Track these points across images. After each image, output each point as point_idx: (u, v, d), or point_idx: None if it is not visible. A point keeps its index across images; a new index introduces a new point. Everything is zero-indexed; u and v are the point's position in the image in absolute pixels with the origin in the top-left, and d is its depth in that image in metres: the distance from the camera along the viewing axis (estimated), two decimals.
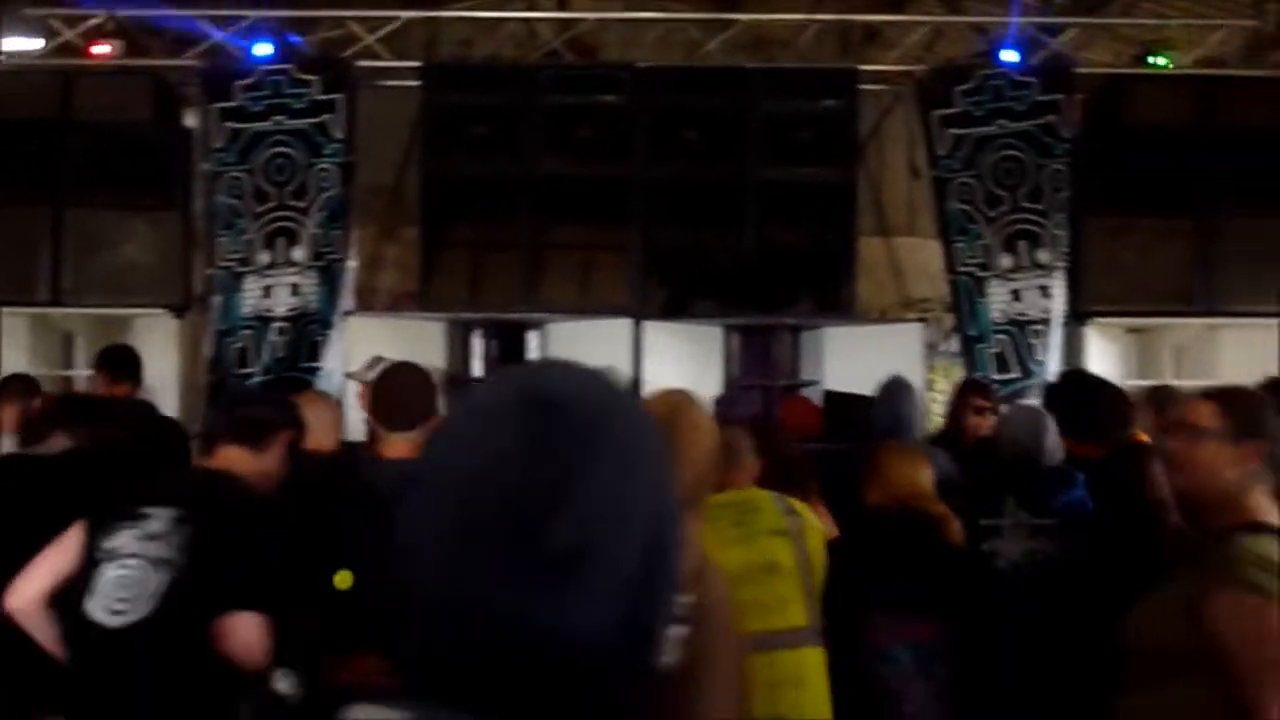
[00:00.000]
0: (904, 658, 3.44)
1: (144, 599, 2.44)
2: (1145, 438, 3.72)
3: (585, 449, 0.76)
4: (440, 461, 0.79)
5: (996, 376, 6.15)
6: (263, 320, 6.24)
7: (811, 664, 2.75)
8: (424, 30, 7.31)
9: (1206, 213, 6.10)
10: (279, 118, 6.27)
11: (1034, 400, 6.09)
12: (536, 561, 0.72)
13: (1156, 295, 6.19)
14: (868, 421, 4.71)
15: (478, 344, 6.52)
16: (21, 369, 5.20)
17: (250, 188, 6.26)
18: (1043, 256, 6.24)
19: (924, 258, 7.18)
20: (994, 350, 6.26)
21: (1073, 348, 6.27)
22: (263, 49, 6.36)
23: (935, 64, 6.80)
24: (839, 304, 6.38)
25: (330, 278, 6.27)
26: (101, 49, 6.48)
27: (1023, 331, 6.24)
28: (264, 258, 6.25)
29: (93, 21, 6.54)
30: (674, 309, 6.28)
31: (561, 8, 8.65)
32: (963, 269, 6.35)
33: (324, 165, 6.27)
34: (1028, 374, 6.21)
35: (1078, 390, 3.85)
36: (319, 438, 3.30)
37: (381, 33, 6.70)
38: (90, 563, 2.49)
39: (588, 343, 6.03)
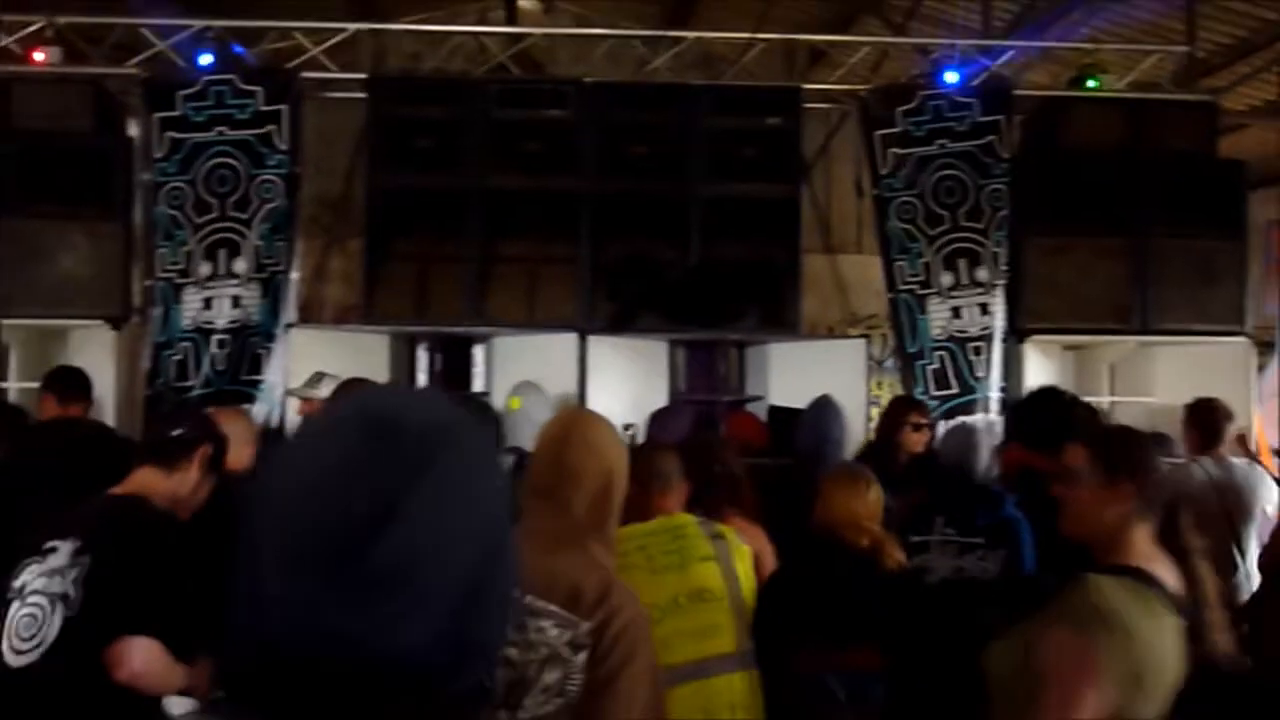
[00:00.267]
0: (835, 685, 3.45)
1: (44, 638, 2.37)
2: None
3: (414, 473, 0.78)
4: (279, 478, 0.81)
5: (935, 393, 6.24)
6: (203, 333, 6.16)
7: (743, 689, 2.76)
8: (372, 43, 7.29)
9: (1139, 233, 6.24)
10: (222, 128, 6.21)
11: (974, 416, 6.21)
12: (358, 579, 0.74)
13: (1093, 313, 6.31)
14: (789, 439, 4.74)
15: (423, 358, 6.49)
16: None
17: (191, 198, 6.19)
18: (982, 275, 6.35)
19: (871, 275, 7.26)
20: (933, 367, 6.35)
21: (1012, 364, 6.37)
22: (206, 58, 6.31)
23: (878, 84, 6.90)
24: (784, 320, 6.43)
25: (273, 290, 6.21)
26: (40, 56, 6.38)
27: (962, 348, 6.34)
28: (205, 269, 6.17)
29: (31, 28, 6.45)
30: (620, 323, 6.30)
31: (511, 23, 8.68)
32: (904, 287, 6.43)
33: (267, 176, 6.21)
34: (967, 390, 6.30)
35: (1049, 406, 3.90)
36: (233, 455, 3.23)
37: (328, 44, 6.67)
38: (2, 602, 2.44)
39: (534, 357, 6.03)
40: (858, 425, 5.86)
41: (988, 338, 6.34)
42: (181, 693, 2.41)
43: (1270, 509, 4.78)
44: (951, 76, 6.53)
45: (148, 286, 6.26)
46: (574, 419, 2.19)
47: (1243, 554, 4.66)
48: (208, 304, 6.18)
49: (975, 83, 6.59)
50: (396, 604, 0.75)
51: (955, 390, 6.30)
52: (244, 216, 6.20)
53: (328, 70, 6.66)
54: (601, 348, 6.08)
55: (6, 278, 5.95)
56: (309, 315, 8.22)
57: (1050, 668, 1.88)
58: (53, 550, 2.43)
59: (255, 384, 6.08)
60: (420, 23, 7.80)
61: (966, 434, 3.84)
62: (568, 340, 6.02)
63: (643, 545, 2.71)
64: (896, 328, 6.48)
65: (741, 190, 6.39)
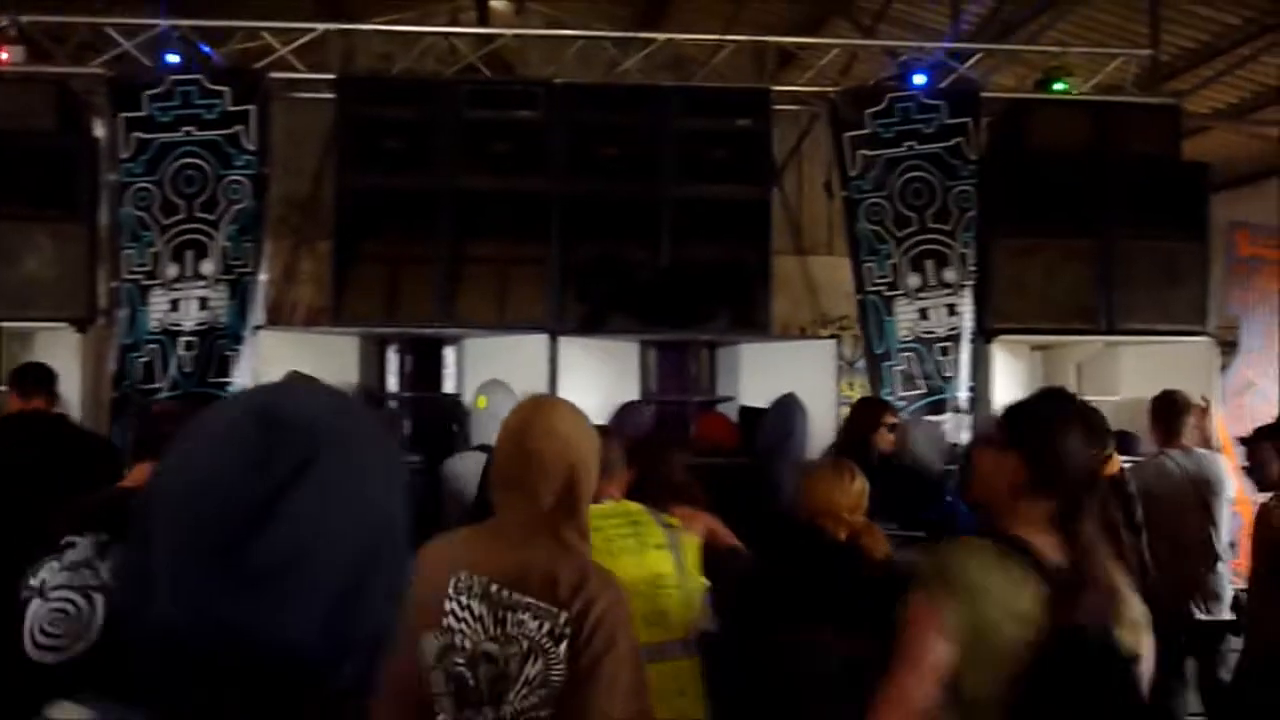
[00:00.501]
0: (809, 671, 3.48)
1: (86, 631, 2.36)
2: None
3: (300, 470, 0.80)
4: (173, 472, 0.83)
5: (902, 393, 6.29)
6: (170, 334, 6.11)
7: (691, 675, 2.80)
8: (341, 43, 7.25)
9: (1104, 234, 6.31)
10: (189, 128, 6.16)
11: (943, 417, 6.26)
12: (242, 573, 0.77)
13: (1060, 314, 6.37)
14: (755, 437, 4.78)
15: (393, 359, 6.45)
16: None
17: (158, 199, 6.13)
18: (950, 276, 6.40)
19: (842, 276, 7.30)
20: (900, 368, 6.39)
21: (980, 364, 6.42)
22: (172, 58, 6.26)
23: (848, 86, 6.94)
24: (755, 320, 6.45)
25: (241, 291, 6.16)
26: (4, 55, 6.30)
27: (929, 349, 6.39)
28: (172, 271, 6.12)
29: None
30: (591, 324, 6.30)
31: (483, 24, 8.66)
32: (871, 288, 6.48)
33: (235, 177, 6.17)
34: (934, 391, 6.35)
35: (1056, 404, 4.02)
36: None
37: (296, 44, 6.63)
38: (21, 601, 2.41)
39: (504, 358, 6.01)
40: (828, 425, 5.90)
41: (955, 338, 6.39)
42: None
43: (1232, 494, 4.90)
44: (920, 79, 6.58)
45: (114, 288, 6.20)
46: (534, 408, 2.14)
47: (1219, 543, 4.75)
48: (175, 306, 6.13)
49: (943, 85, 6.64)
50: (278, 597, 0.77)
51: (922, 390, 6.35)
52: (211, 218, 6.15)
53: (296, 70, 6.62)
54: (572, 349, 6.08)
55: None
56: (279, 318, 8.18)
57: (901, 624, 2.00)
58: (71, 545, 2.42)
59: (223, 386, 6.03)
60: (391, 23, 7.77)
61: (930, 430, 3.89)
62: (538, 341, 6.02)
63: (598, 527, 2.73)
64: (864, 329, 6.52)
65: (712, 191, 6.40)
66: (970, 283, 6.39)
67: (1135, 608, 2.04)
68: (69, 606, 2.37)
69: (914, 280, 6.42)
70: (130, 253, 6.14)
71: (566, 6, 10.28)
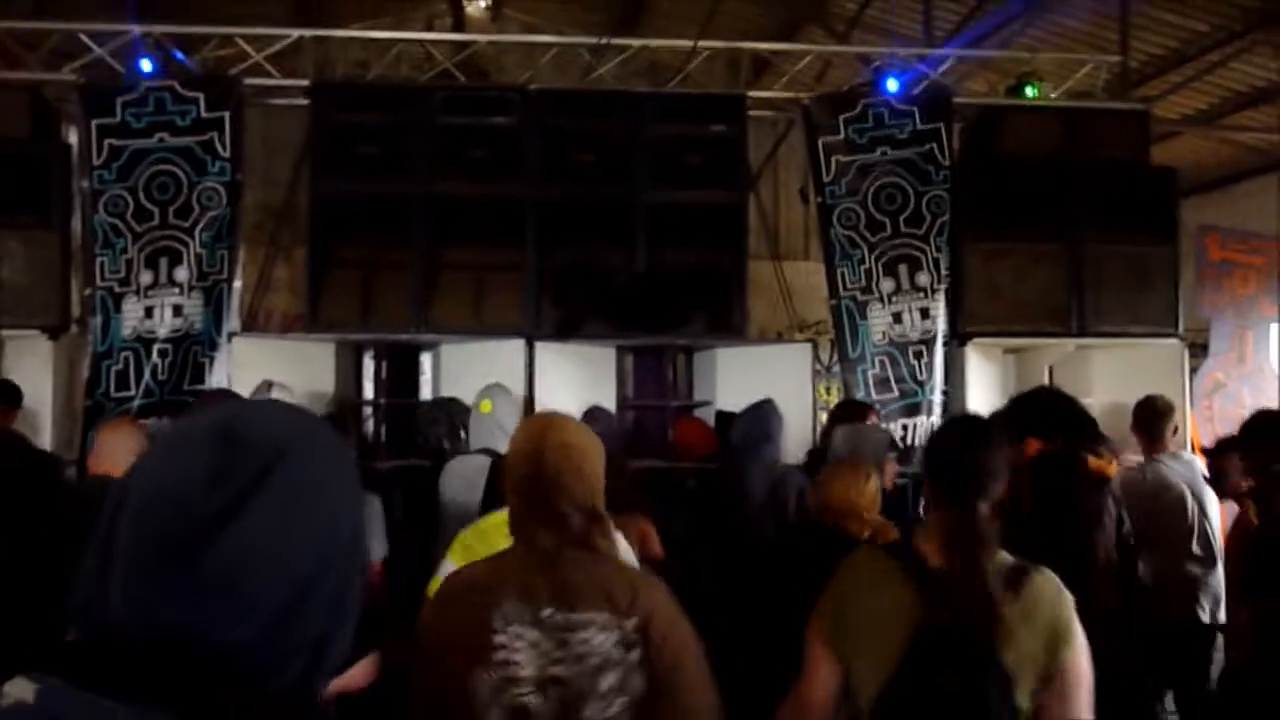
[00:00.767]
0: None
1: None
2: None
3: (256, 486, 0.85)
4: (137, 479, 0.88)
5: (876, 397, 6.32)
6: (144, 342, 6.07)
7: None
8: (316, 50, 7.24)
9: (1075, 238, 6.38)
10: (162, 135, 6.14)
11: (917, 419, 6.31)
12: (192, 579, 0.82)
13: (1032, 317, 6.43)
14: (727, 440, 4.81)
15: (369, 366, 6.44)
16: None
17: (132, 206, 6.10)
18: (923, 280, 6.45)
19: (817, 281, 7.34)
20: (874, 372, 6.44)
21: (953, 367, 6.47)
22: (146, 64, 6.23)
23: (822, 92, 6.99)
24: (731, 325, 6.47)
25: (215, 299, 6.14)
26: None
27: (904, 353, 6.44)
28: (146, 278, 6.09)
29: None
30: (567, 330, 6.30)
31: (458, 30, 8.67)
32: (845, 293, 6.52)
33: (209, 184, 6.15)
34: (908, 394, 6.40)
35: (1050, 402, 4.11)
36: (112, 463, 3.22)
37: (271, 50, 6.61)
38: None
39: (481, 364, 6.01)
40: (805, 430, 5.93)
41: (929, 342, 6.44)
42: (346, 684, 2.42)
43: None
44: (893, 85, 6.63)
45: (87, 295, 6.15)
46: (543, 427, 2.16)
47: (1216, 544, 4.76)
48: (149, 313, 6.10)
49: (916, 91, 6.70)
50: (225, 602, 0.82)
51: (895, 394, 6.40)
52: (186, 224, 6.12)
53: (271, 77, 6.61)
54: (549, 354, 6.09)
55: None
56: (255, 325, 8.15)
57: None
58: None
59: (197, 394, 6.00)
60: (366, 29, 7.77)
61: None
62: (515, 347, 6.02)
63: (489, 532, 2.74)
64: (838, 333, 6.56)
65: (687, 197, 6.42)
66: (943, 287, 6.44)
67: (1016, 610, 2.08)
68: None
69: (888, 285, 6.47)
70: (104, 260, 6.11)
71: (542, 12, 10.30)
